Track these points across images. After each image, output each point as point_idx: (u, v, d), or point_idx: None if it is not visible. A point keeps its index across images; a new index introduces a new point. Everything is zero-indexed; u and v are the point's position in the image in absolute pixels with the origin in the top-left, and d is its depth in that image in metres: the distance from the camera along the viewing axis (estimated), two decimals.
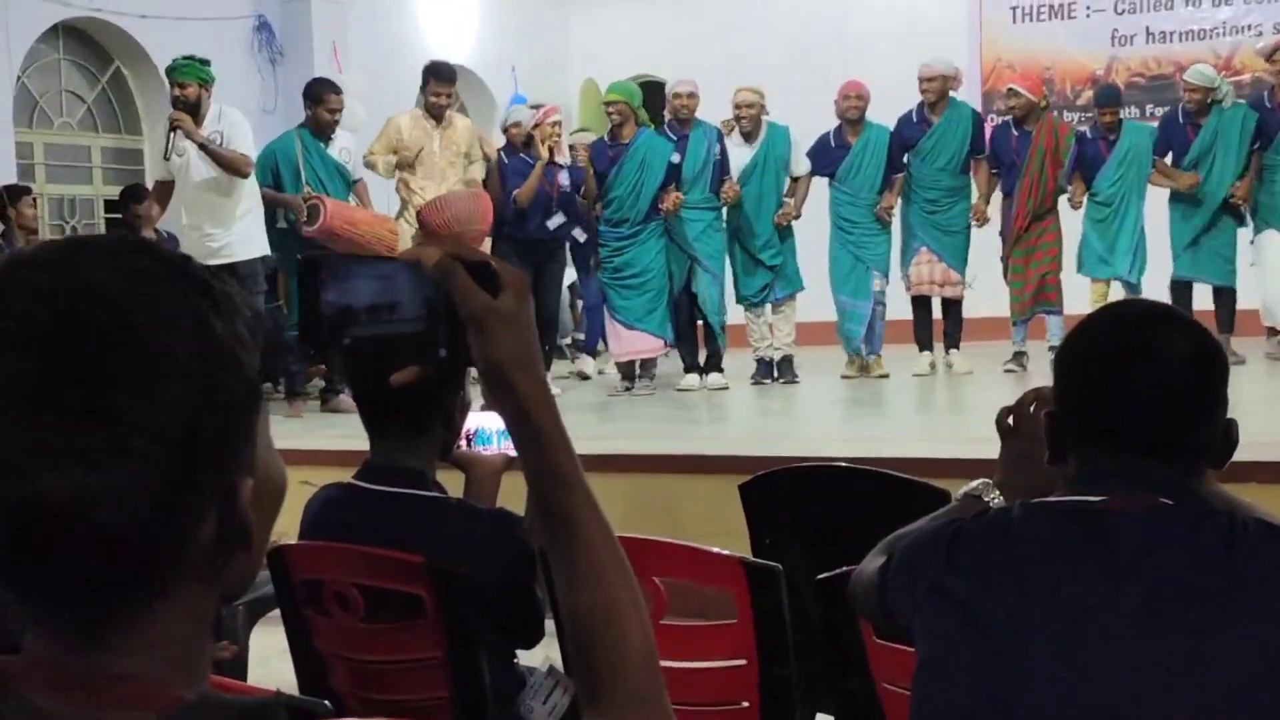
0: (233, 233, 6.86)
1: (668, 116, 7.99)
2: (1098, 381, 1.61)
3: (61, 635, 0.81)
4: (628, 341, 7.84)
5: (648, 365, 8.04)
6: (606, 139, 7.87)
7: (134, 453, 0.77)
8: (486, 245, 7.66)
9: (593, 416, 6.94)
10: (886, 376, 8.10)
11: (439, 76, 7.77)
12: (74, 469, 0.76)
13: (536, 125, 8.04)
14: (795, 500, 3.13)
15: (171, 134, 6.80)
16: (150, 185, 7.72)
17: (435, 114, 7.73)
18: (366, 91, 9.04)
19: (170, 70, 6.95)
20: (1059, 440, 1.65)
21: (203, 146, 6.68)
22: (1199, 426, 1.60)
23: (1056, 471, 1.67)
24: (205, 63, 6.88)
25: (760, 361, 8.14)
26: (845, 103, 8.03)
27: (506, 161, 7.99)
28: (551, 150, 7.92)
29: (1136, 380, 1.58)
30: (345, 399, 7.07)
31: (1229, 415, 1.62)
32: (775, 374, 8.09)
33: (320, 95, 7.47)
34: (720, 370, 7.96)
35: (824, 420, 7.15)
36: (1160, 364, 1.58)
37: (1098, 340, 1.64)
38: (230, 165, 6.73)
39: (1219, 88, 8.09)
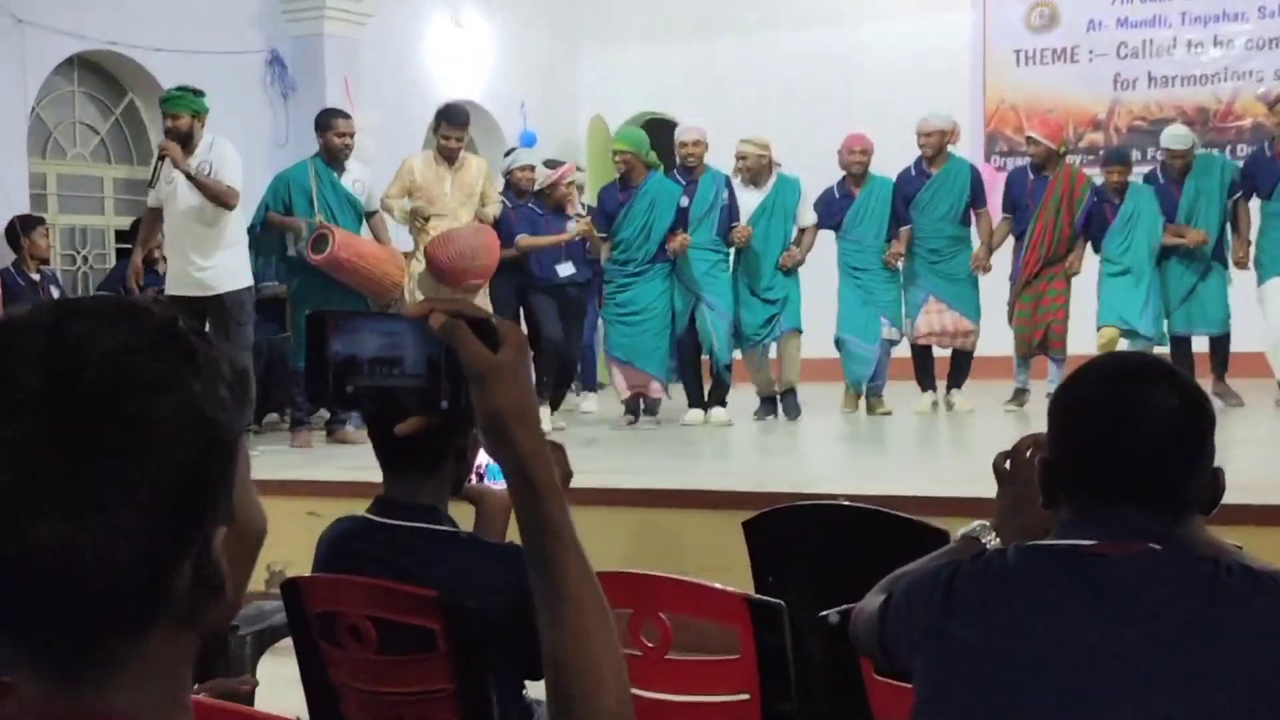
0: (216, 262, 6.84)
1: (677, 162, 8.07)
2: (1089, 434, 1.67)
3: (49, 675, 0.86)
4: (631, 377, 7.90)
5: (652, 401, 8.09)
6: (617, 183, 7.93)
7: (114, 507, 0.82)
8: (483, 292, 7.71)
9: (597, 451, 6.97)
10: (889, 414, 8.15)
11: (451, 121, 7.79)
12: (60, 523, 0.81)
13: (553, 185, 8.10)
14: (798, 538, 3.18)
15: (159, 163, 6.86)
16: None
17: (448, 156, 7.74)
18: (377, 126, 9.12)
19: (163, 101, 6.96)
20: (1053, 486, 1.71)
21: (190, 176, 6.70)
22: (1187, 477, 1.66)
23: (1051, 515, 1.73)
24: (199, 94, 6.88)
25: (764, 398, 8.20)
26: (850, 157, 8.11)
27: (511, 207, 7.97)
28: (565, 205, 8.02)
29: (1127, 434, 1.64)
30: (352, 429, 7.09)
31: (1218, 463, 1.69)
32: (778, 411, 8.14)
33: (328, 122, 7.48)
34: (724, 405, 8.01)
35: (826, 457, 7.19)
36: (1150, 419, 1.64)
37: (1090, 393, 1.70)
38: (216, 196, 6.72)
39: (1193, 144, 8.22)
